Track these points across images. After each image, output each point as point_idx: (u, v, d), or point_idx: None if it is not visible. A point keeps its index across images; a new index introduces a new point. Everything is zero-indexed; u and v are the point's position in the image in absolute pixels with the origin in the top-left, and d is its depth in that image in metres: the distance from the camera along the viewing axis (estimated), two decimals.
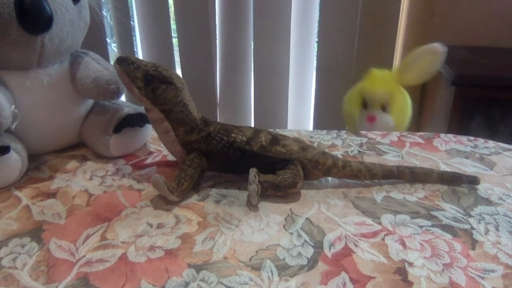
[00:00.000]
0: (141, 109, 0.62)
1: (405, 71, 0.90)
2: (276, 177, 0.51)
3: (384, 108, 0.92)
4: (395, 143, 0.69)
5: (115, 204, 0.51)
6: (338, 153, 0.65)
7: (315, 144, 0.69)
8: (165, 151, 0.64)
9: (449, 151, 0.66)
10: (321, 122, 1.28)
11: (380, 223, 0.47)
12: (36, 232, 0.46)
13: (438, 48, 0.84)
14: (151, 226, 0.47)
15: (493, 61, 1.11)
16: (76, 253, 0.43)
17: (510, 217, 0.48)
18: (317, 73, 1.23)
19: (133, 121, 0.62)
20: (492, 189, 0.54)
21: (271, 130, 0.59)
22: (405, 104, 0.94)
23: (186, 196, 0.52)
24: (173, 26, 1.23)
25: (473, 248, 0.43)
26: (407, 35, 1.22)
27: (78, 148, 0.66)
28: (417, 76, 0.89)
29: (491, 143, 0.68)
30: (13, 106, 0.53)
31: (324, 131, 0.75)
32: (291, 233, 0.46)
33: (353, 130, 0.91)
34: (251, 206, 0.51)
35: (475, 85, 1.02)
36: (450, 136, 0.71)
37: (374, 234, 0.46)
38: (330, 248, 0.43)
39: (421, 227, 0.47)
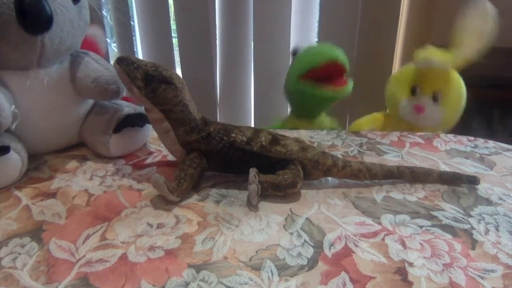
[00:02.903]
0: (141, 109, 0.62)
1: (459, 48, 0.75)
2: (276, 177, 0.51)
3: (435, 97, 0.79)
4: (395, 143, 0.69)
5: (115, 204, 0.51)
6: (338, 153, 0.65)
7: (315, 144, 0.69)
8: (165, 151, 0.64)
9: (449, 151, 0.66)
10: None
11: (380, 223, 0.47)
12: (36, 232, 0.46)
13: (486, 9, 0.72)
14: (151, 226, 0.47)
15: (493, 61, 1.10)
16: (76, 253, 0.43)
17: (510, 217, 0.48)
18: None
19: (133, 121, 0.62)
20: (492, 189, 0.54)
21: (271, 130, 0.59)
22: (459, 95, 0.81)
23: (186, 196, 0.52)
24: (173, 26, 1.23)
25: (473, 248, 0.43)
26: (407, 35, 1.22)
27: (78, 148, 0.66)
28: (473, 49, 0.74)
29: (491, 143, 0.68)
30: (13, 106, 0.53)
31: (324, 131, 0.75)
32: (291, 233, 0.46)
33: (394, 114, 0.85)
34: (251, 206, 0.51)
35: (475, 85, 1.02)
36: (450, 136, 0.71)
37: (374, 234, 0.46)
38: (330, 248, 0.43)
39: (421, 227, 0.47)
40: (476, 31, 0.73)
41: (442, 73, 0.78)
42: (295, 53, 0.89)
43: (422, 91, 0.80)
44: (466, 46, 0.75)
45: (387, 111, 0.91)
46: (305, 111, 0.91)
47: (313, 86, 0.83)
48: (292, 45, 1.20)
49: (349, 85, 0.84)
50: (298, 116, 0.92)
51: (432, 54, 0.77)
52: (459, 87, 0.80)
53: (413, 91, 0.81)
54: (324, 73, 0.82)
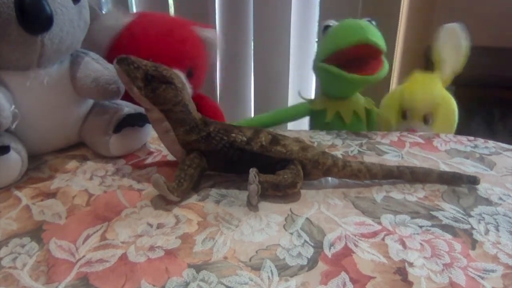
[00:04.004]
0: (141, 109, 0.62)
1: (441, 69, 0.80)
2: (276, 177, 0.51)
3: (426, 120, 0.81)
4: (395, 143, 0.69)
5: (115, 204, 0.51)
6: (338, 153, 0.65)
7: (315, 144, 0.69)
8: (165, 151, 0.64)
9: (449, 151, 0.66)
10: None
11: (380, 223, 0.47)
12: (36, 232, 0.46)
13: (454, 28, 0.77)
14: (151, 226, 0.47)
15: (493, 61, 1.11)
16: (76, 253, 0.43)
17: (510, 217, 0.48)
18: None
19: (133, 121, 0.62)
20: (492, 189, 0.54)
21: (271, 130, 0.59)
22: (450, 113, 0.82)
23: (186, 196, 0.52)
24: None
25: (473, 248, 0.43)
26: (407, 35, 1.22)
27: (78, 148, 0.66)
28: (454, 65, 0.79)
29: (491, 143, 0.68)
30: (13, 106, 0.53)
31: (324, 131, 0.75)
32: (291, 233, 0.46)
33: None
34: (251, 206, 0.51)
35: (475, 85, 1.02)
36: (450, 136, 0.71)
37: (374, 234, 0.46)
38: (330, 248, 0.43)
39: (421, 227, 0.47)
40: (452, 50, 0.79)
41: (430, 96, 0.81)
42: (325, 29, 0.80)
43: (412, 115, 0.82)
44: (447, 65, 0.80)
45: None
46: (333, 92, 0.83)
47: (338, 70, 0.74)
48: (292, 45, 1.20)
49: (382, 70, 0.75)
50: (329, 96, 0.83)
51: (417, 95, 0.81)
52: (450, 105, 0.82)
53: (404, 116, 0.83)
54: (353, 55, 0.73)
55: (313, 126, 0.85)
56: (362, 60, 0.73)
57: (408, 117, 0.82)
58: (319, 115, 0.82)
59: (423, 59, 1.22)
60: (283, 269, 0.40)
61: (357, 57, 0.73)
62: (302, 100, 0.86)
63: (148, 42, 0.70)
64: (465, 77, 0.96)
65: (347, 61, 0.73)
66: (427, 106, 0.80)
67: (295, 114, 0.87)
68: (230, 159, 0.54)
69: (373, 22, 0.76)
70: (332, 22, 0.79)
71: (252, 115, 1.31)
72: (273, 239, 0.45)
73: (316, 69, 0.81)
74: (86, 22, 0.61)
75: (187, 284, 0.39)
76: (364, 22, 0.73)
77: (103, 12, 1.13)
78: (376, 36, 0.71)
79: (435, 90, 0.80)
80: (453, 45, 0.78)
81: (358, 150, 0.66)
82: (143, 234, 0.45)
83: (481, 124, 1.07)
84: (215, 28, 1.19)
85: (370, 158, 0.63)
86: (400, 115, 0.84)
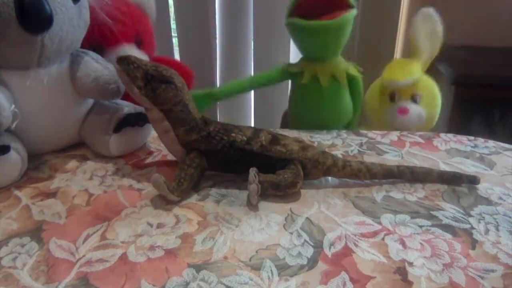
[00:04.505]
0: (141, 108, 0.62)
1: (419, 53, 0.83)
2: (276, 177, 0.51)
3: (414, 98, 0.83)
4: (395, 143, 0.69)
5: (115, 204, 0.51)
6: (338, 153, 0.65)
7: (315, 144, 0.69)
8: (165, 151, 0.64)
9: (449, 151, 0.65)
10: None
11: (380, 223, 0.47)
12: (36, 231, 0.46)
13: (429, 12, 0.80)
14: (151, 225, 0.47)
15: (493, 61, 1.10)
16: (76, 252, 0.43)
17: (510, 217, 0.48)
18: None
19: (133, 121, 0.62)
20: (492, 188, 0.54)
21: (271, 129, 0.59)
22: (435, 93, 0.85)
23: (186, 196, 0.52)
24: (173, 26, 1.23)
25: (473, 248, 0.43)
26: (407, 35, 1.22)
27: (78, 148, 0.65)
28: (430, 50, 0.82)
29: (491, 143, 0.68)
30: (13, 106, 0.53)
31: (324, 131, 0.75)
32: (291, 233, 0.46)
33: (380, 126, 0.83)
34: (251, 205, 0.51)
35: (475, 85, 1.02)
36: (450, 135, 0.71)
37: (374, 233, 0.45)
38: (330, 248, 0.43)
39: (421, 226, 0.47)
40: (427, 35, 0.81)
41: (409, 74, 0.82)
42: None
43: (400, 95, 0.84)
44: (423, 51, 0.82)
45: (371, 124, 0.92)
46: (307, 50, 0.82)
47: (297, 20, 0.75)
48: (292, 44, 1.20)
49: (342, 17, 0.74)
50: (307, 59, 0.83)
51: (396, 75, 0.82)
52: (432, 87, 0.85)
53: (392, 98, 0.85)
54: (318, 5, 0.74)
55: (292, 90, 0.85)
56: (329, 10, 0.74)
57: (397, 98, 0.84)
58: (297, 77, 0.81)
59: None
60: (283, 269, 0.40)
61: (321, 9, 0.73)
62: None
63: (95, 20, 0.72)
64: (465, 77, 0.96)
65: (314, 15, 0.74)
66: (415, 84, 0.82)
67: (274, 76, 0.85)
68: (230, 159, 0.54)
69: None
70: None
71: (252, 115, 1.31)
72: (273, 238, 0.45)
73: (286, 27, 0.81)
74: (86, 21, 0.61)
75: (187, 284, 0.39)
76: None
77: None
78: None
79: (413, 69, 0.82)
80: (429, 29, 0.81)
81: (358, 150, 0.66)
82: (143, 234, 0.45)
83: (481, 124, 1.07)
84: (214, 28, 1.19)
85: (370, 158, 0.63)
86: (388, 99, 0.85)
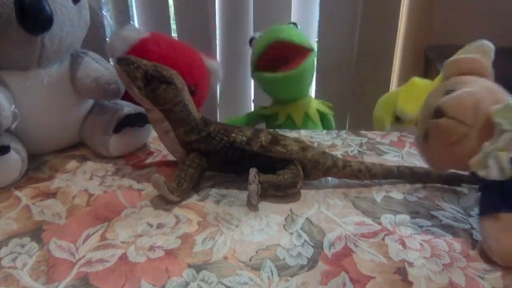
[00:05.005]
0: (141, 109, 0.62)
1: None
2: (276, 177, 0.51)
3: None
4: (395, 143, 0.69)
5: (115, 204, 0.51)
6: (338, 153, 0.65)
7: (315, 144, 0.69)
8: (165, 151, 0.64)
9: None
10: None
11: (380, 223, 0.47)
12: (36, 232, 0.46)
13: (488, 46, 0.74)
14: (151, 226, 0.47)
15: (493, 61, 1.10)
16: (76, 253, 0.43)
17: None
18: (317, 73, 1.23)
19: (133, 121, 0.62)
20: None
21: (271, 130, 0.59)
22: None
23: (186, 196, 0.52)
24: (173, 26, 1.23)
25: (473, 248, 0.43)
26: (407, 35, 1.22)
27: (78, 148, 0.65)
28: None
29: None
30: (13, 106, 0.53)
31: (324, 131, 0.75)
32: (291, 233, 0.46)
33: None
34: (251, 206, 0.51)
35: None
36: None
37: (374, 234, 0.46)
38: (330, 248, 0.43)
39: (421, 227, 0.47)
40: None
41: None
42: (250, 41, 0.85)
43: (406, 120, 0.80)
44: None
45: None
46: (278, 97, 0.86)
47: (260, 73, 0.79)
48: None
49: (303, 64, 0.77)
50: (279, 101, 0.87)
51: (412, 108, 0.77)
52: None
53: (398, 119, 0.82)
54: (275, 56, 0.77)
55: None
56: (291, 60, 0.77)
57: (402, 121, 0.81)
58: (272, 119, 0.85)
59: (423, 59, 1.22)
60: (283, 269, 0.40)
61: (283, 58, 0.77)
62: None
63: (158, 58, 0.74)
64: None
65: (276, 65, 0.78)
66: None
67: (249, 119, 0.90)
68: (230, 159, 0.54)
69: (297, 25, 0.81)
70: (257, 34, 0.84)
71: None
72: (273, 239, 0.45)
73: (252, 79, 0.86)
74: (86, 22, 0.61)
75: (187, 284, 0.39)
76: (280, 26, 0.78)
77: (104, 13, 1.13)
78: (291, 34, 0.76)
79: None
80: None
81: (358, 150, 0.66)
82: (143, 234, 0.45)
83: None
84: (214, 28, 1.19)
85: (370, 158, 0.63)
86: (394, 118, 0.83)
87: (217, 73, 0.85)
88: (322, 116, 0.85)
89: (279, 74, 0.78)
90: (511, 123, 0.41)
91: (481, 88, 0.46)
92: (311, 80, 0.84)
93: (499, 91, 0.48)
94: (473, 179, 0.53)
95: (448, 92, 0.46)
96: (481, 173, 0.41)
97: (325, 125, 0.87)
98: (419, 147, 0.50)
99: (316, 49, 0.84)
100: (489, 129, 0.42)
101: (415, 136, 0.52)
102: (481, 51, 0.64)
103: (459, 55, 0.62)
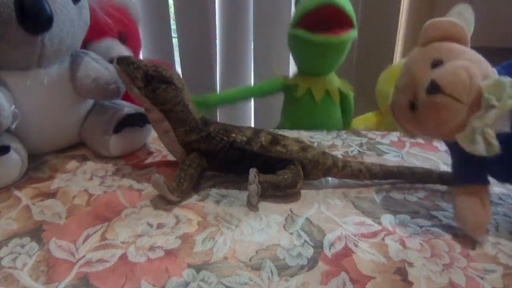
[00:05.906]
0: (141, 109, 0.62)
1: None
2: (276, 177, 0.51)
3: None
4: (395, 143, 0.69)
5: (115, 204, 0.51)
6: (338, 153, 0.65)
7: (315, 144, 0.69)
8: (165, 151, 0.64)
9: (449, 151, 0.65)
10: None
11: (380, 223, 0.47)
12: (36, 232, 0.46)
13: (467, 11, 0.74)
14: (151, 226, 0.47)
15: (493, 61, 1.10)
16: (76, 253, 0.43)
17: (510, 217, 0.48)
18: None
19: (133, 121, 0.62)
20: (492, 189, 0.54)
21: (271, 130, 0.59)
22: None
23: (186, 196, 0.52)
24: (173, 26, 1.23)
25: (473, 248, 0.43)
26: (407, 35, 1.22)
27: (78, 148, 0.66)
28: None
29: None
30: (13, 106, 0.53)
31: (324, 131, 0.75)
32: (291, 233, 0.46)
33: (386, 111, 0.81)
34: (251, 206, 0.51)
35: None
36: None
37: (374, 234, 0.46)
38: (330, 248, 0.43)
39: (421, 227, 0.47)
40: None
41: None
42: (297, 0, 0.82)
43: None
44: None
45: (380, 109, 0.90)
46: (305, 64, 0.83)
47: (303, 32, 0.75)
48: None
49: (346, 35, 0.75)
50: (303, 73, 0.84)
51: None
52: None
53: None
54: (320, 18, 0.74)
55: (285, 102, 0.85)
56: (332, 28, 0.74)
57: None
58: (291, 90, 0.81)
59: None
60: (283, 269, 0.40)
61: (326, 22, 0.73)
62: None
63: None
64: None
65: (316, 29, 0.74)
66: None
67: (268, 88, 0.86)
68: (230, 159, 0.54)
69: None
70: None
71: (252, 114, 1.31)
72: (273, 239, 0.45)
73: (288, 38, 0.81)
74: (86, 22, 0.61)
75: (187, 284, 0.39)
76: None
77: None
78: (345, 3, 0.73)
79: None
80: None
81: (358, 150, 0.66)
82: (143, 234, 0.45)
83: None
84: (214, 28, 1.19)
85: (370, 158, 0.63)
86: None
87: (132, 5, 0.86)
88: (342, 97, 0.83)
89: (320, 37, 0.74)
90: (499, 98, 0.40)
91: (470, 61, 0.44)
92: (342, 60, 0.82)
93: (484, 62, 0.47)
94: (448, 149, 0.51)
95: (436, 62, 0.44)
96: (468, 149, 0.40)
97: (344, 106, 0.84)
98: (397, 113, 0.48)
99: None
100: (477, 104, 0.41)
101: (391, 100, 0.50)
102: (462, 17, 0.62)
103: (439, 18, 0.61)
